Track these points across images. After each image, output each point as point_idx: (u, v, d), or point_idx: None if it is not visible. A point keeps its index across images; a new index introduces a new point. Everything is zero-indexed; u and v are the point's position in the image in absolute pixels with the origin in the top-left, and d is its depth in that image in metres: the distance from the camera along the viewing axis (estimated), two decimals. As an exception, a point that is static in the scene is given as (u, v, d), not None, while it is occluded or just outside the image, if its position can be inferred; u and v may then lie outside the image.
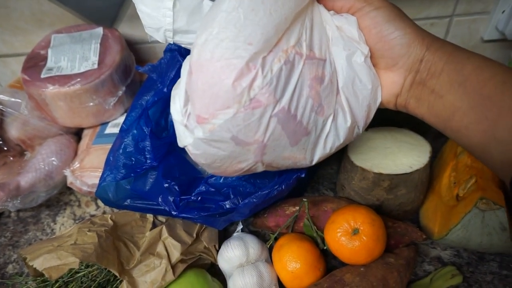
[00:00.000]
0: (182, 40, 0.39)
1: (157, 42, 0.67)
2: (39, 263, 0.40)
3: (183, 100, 0.36)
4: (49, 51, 0.59)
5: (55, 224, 0.58)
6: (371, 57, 0.35)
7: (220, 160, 0.35)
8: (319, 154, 0.37)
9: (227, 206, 0.44)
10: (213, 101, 0.31)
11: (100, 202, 0.60)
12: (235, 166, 0.36)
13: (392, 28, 0.33)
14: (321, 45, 0.34)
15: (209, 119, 0.32)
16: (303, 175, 0.44)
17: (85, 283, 0.44)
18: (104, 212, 0.58)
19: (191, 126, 0.35)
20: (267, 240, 0.49)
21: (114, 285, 0.45)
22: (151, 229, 0.47)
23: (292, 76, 0.32)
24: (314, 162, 0.38)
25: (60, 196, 0.61)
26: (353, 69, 0.35)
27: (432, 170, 0.53)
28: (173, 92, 0.38)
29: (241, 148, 0.34)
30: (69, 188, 0.61)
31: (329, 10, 0.37)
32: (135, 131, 0.48)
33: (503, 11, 0.61)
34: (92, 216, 0.58)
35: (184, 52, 0.51)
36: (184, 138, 0.36)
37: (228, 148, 0.34)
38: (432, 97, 0.33)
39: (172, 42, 0.39)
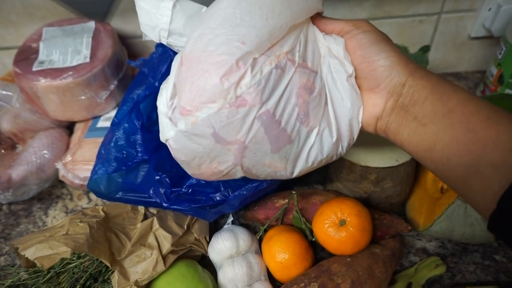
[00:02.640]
0: (176, 42, 0.39)
1: (149, 36, 0.68)
2: (31, 253, 0.41)
3: (171, 93, 0.36)
4: (41, 44, 0.59)
5: (47, 217, 0.58)
6: (355, 78, 0.36)
7: (199, 158, 0.35)
8: (300, 166, 0.37)
9: (217, 198, 0.45)
10: (199, 93, 0.31)
11: (92, 196, 0.60)
12: (214, 168, 0.36)
13: (376, 50, 0.34)
14: (314, 59, 0.35)
15: (192, 112, 0.32)
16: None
17: (77, 274, 0.45)
18: (96, 205, 0.59)
19: (175, 119, 0.35)
20: (257, 233, 0.50)
21: (106, 276, 0.46)
22: (142, 221, 0.48)
23: (281, 81, 0.32)
24: (294, 175, 0.37)
25: (52, 189, 0.61)
26: (337, 88, 0.35)
27: (418, 163, 0.54)
28: (161, 86, 0.39)
29: (221, 146, 0.33)
30: (61, 182, 0.61)
31: (321, 32, 0.37)
32: (126, 125, 0.48)
33: (490, 9, 0.63)
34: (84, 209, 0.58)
35: (175, 47, 0.51)
36: (167, 131, 0.36)
37: (208, 145, 0.33)
38: (414, 124, 0.33)
39: (165, 43, 0.39)
